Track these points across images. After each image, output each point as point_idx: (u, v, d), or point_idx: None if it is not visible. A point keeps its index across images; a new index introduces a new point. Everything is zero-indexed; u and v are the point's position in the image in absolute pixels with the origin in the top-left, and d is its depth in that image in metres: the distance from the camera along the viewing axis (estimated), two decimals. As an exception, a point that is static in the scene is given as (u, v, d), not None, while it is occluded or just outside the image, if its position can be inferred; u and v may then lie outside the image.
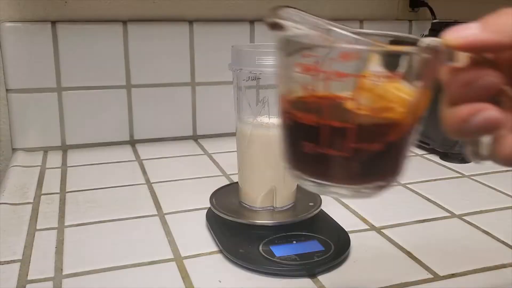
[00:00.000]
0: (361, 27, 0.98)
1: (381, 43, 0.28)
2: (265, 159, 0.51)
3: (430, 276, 0.46)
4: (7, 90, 0.81)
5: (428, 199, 0.64)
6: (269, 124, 0.50)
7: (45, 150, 0.84)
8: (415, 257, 0.49)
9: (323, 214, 0.56)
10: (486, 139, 0.29)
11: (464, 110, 0.27)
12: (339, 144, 0.30)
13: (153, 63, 0.86)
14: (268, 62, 0.48)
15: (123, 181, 0.70)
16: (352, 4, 0.98)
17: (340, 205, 0.61)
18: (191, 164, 0.79)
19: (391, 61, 0.28)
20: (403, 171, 0.32)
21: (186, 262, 0.48)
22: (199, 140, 0.91)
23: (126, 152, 0.84)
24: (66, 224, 0.57)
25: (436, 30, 0.93)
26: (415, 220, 0.58)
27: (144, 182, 0.70)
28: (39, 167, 0.76)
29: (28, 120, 0.83)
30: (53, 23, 0.81)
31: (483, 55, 0.28)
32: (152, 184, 0.69)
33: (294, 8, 0.31)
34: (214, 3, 0.89)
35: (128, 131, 0.88)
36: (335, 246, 0.49)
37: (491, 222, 0.56)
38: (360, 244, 0.52)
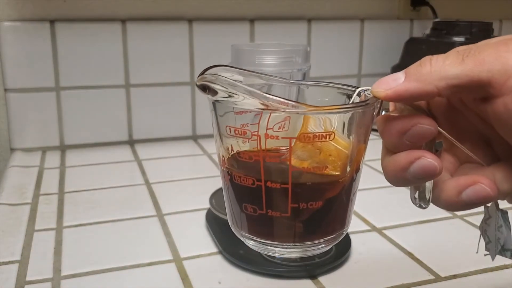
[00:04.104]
0: (362, 27, 0.97)
1: (310, 106, 0.27)
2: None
3: (432, 277, 0.46)
4: (5, 89, 0.81)
5: (429, 200, 0.64)
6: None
7: (44, 150, 0.84)
8: (416, 258, 0.49)
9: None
10: (429, 184, 0.29)
11: (401, 158, 0.28)
12: (278, 205, 0.29)
13: (152, 62, 0.86)
14: (268, 61, 0.47)
15: (122, 182, 0.70)
16: (353, 4, 0.97)
17: (340, 206, 0.61)
18: (190, 165, 0.78)
19: (324, 120, 0.28)
20: (350, 221, 0.32)
21: (185, 263, 0.48)
22: (198, 140, 0.91)
23: (125, 152, 0.84)
24: (64, 224, 0.56)
25: (438, 29, 0.92)
26: (417, 220, 0.57)
27: (143, 182, 0.70)
28: (37, 167, 0.75)
29: (26, 120, 0.82)
30: (52, 22, 0.80)
31: (414, 103, 0.28)
32: (151, 185, 0.69)
33: (227, 66, 0.31)
34: (213, 2, 0.89)
35: (127, 131, 0.88)
36: (336, 247, 0.48)
37: (493, 223, 0.55)
38: (361, 245, 0.51)
